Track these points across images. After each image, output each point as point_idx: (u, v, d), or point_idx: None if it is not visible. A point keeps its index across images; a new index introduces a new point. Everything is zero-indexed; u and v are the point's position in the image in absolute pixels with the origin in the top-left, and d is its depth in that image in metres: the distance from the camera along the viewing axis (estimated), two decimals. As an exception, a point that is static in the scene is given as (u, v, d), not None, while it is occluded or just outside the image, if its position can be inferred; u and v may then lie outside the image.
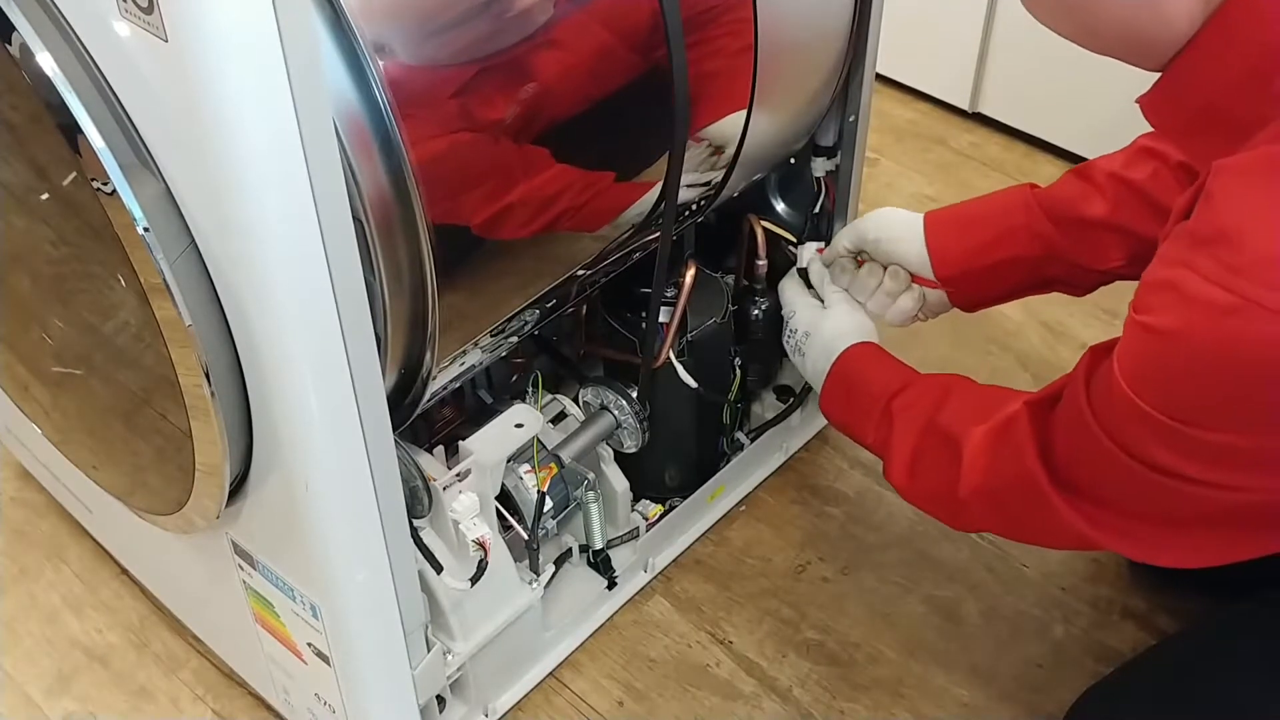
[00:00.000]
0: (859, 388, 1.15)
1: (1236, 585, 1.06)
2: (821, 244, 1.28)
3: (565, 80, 0.93)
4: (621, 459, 1.25)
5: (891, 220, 1.21)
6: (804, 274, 1.27)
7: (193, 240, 0.80)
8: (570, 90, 0.94)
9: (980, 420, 1.01)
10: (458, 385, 1.10)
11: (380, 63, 0.81)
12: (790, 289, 1.26)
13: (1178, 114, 0.88)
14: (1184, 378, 0.81)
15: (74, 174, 0.81)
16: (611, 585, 1.28)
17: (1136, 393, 0.82)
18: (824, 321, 1.21)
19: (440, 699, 1.16)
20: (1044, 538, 1.05)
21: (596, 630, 1.29)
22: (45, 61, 0.76)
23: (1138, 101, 0.90)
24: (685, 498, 1.34)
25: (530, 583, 1.17)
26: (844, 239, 1.24)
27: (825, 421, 1.49)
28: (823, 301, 1.24)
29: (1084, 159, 1.84)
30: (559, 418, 1.23)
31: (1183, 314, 0.79)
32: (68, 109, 0.76)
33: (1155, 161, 1.12)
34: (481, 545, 1.05)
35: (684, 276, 1.20)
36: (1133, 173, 1.13)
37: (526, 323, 1.08)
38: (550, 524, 1.21)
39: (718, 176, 1.13)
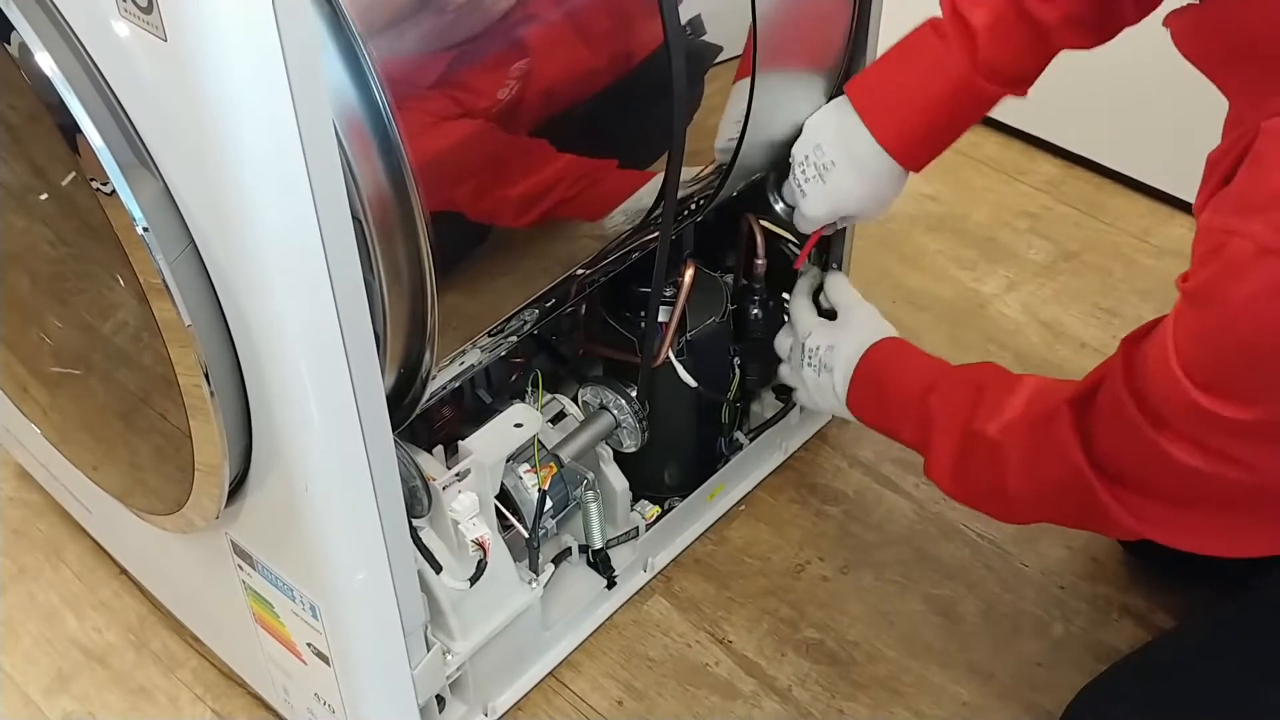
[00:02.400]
0: (891, 386, 1.13)
1: (1235, 577, 1.06)
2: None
3: (564, 73, 0.93)
4: (621, 458, 1.25)
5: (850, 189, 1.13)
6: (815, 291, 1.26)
7: (192, 240, 0.80)
8: (569, 83, 0.93)
9: (1017, 415, 0.99)
10: (457, 385, 1.10)
11: (379, 62, 0.81)
12: (802, 310, 1.23)
13: (1216, 45, 0.84)
14: (1238, 348, 0.78)
15: (73, 174, 0.81)
16: (611, 585, 1.28)
17: (1185, 369, 0.79)
18: (846, 331, 1.18)
19: (440, 699, 1.16)
20: (1096, 528, 1.03)
21: (596, 630, 1.29)
22: (44, 61, 0.76)
23: (1165, 24, 0.86)
24: (684, 497, 1.33)
25: (530, 582, 1.17)
26: (820, 215, 1.16)
27: (824, 420, 1.49)
28: (830, 315, 1.22)
29: (1082, 158, 1.86)
30: (558, 417, 1.23)
31: (1236, 280, 0.75)
32: (67, 109, 0.76)
33: None
34: (481, 545, 1.05)
35: (683, 276, 1.20)
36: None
37: (525, 322, 1.08)
38: (550, 523, 1.21)
39: (716, 175, 1.13)
